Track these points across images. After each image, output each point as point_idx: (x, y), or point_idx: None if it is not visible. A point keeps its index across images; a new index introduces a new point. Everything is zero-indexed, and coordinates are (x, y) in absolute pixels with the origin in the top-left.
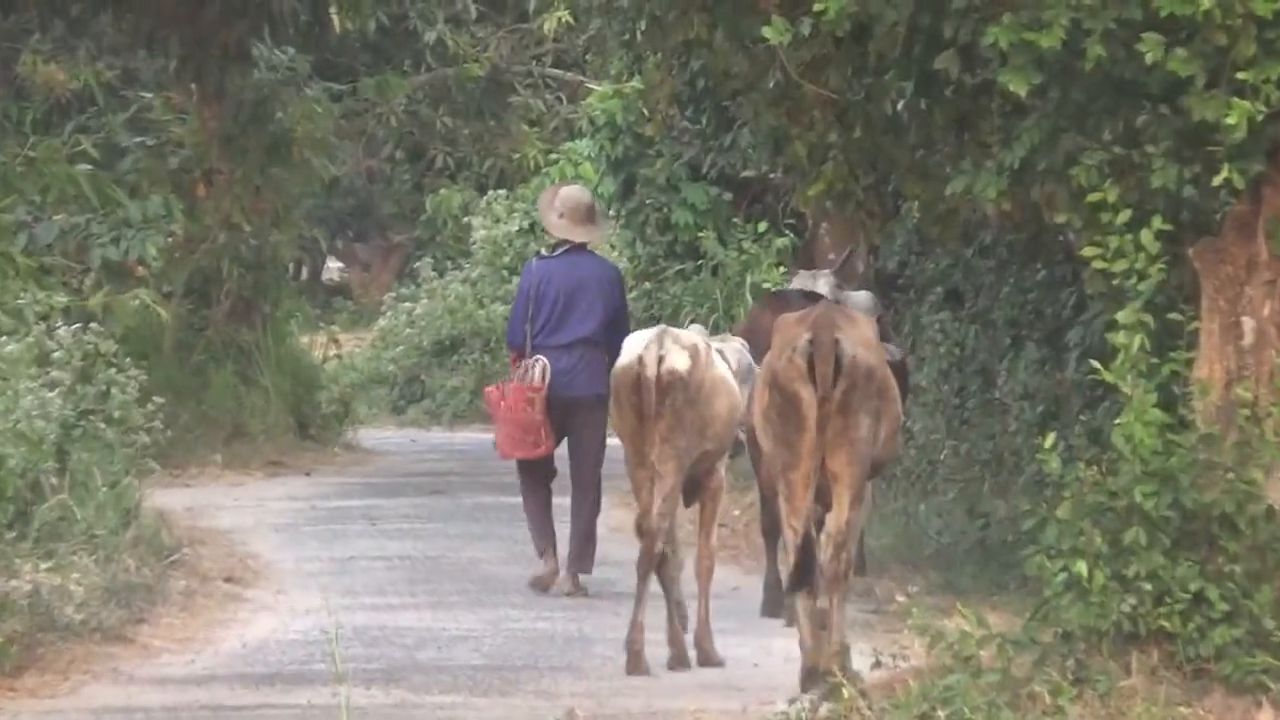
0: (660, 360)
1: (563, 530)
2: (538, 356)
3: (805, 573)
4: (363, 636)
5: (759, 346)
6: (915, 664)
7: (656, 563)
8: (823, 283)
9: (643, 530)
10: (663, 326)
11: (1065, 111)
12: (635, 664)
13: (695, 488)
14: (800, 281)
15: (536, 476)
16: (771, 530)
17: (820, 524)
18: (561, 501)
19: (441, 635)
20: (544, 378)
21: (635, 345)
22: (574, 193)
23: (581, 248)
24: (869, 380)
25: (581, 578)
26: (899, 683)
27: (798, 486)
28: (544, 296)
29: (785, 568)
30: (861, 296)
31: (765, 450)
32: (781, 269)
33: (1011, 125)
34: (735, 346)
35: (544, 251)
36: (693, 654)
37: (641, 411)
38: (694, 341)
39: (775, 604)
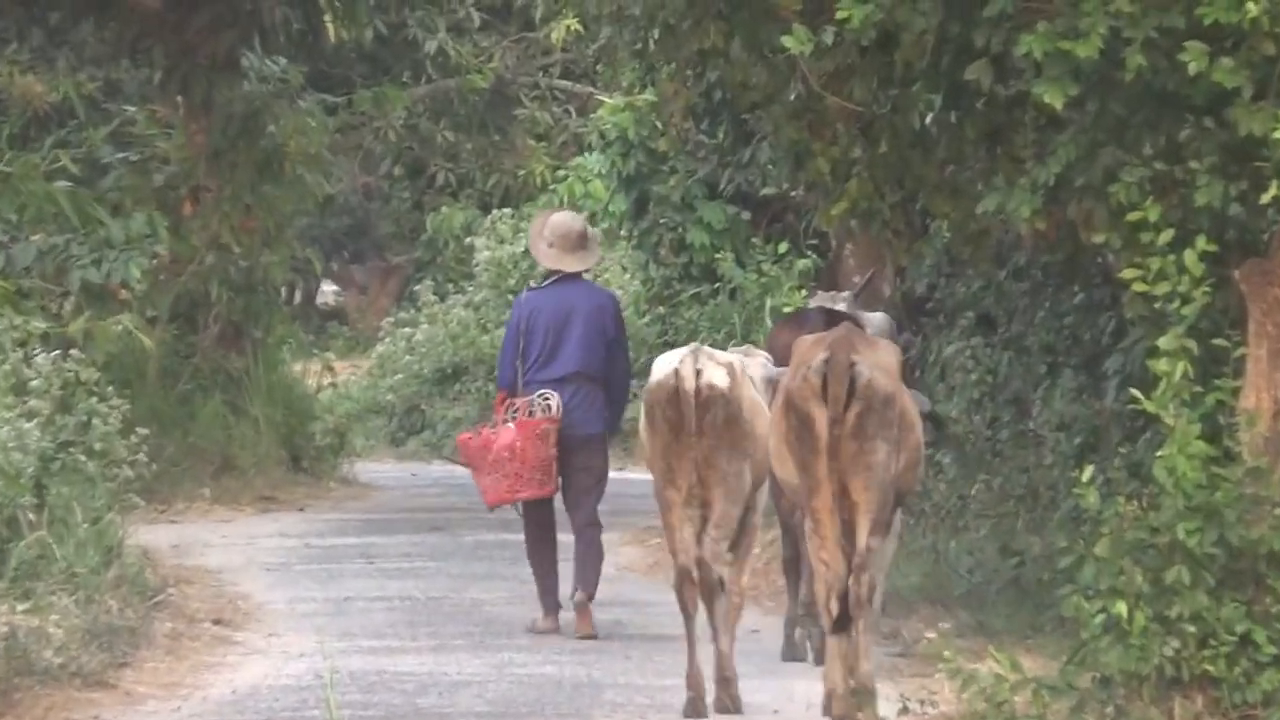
0: (698, 374)
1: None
2: (545, 390)
3: (843, 615)
4: (360, 682)
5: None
6: (945, 710)
7: (709, 595)
8: (841, 304)
9: (678, 558)
10: (695, 344)
11: (1103, 125)
12: (694, 709)
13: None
14: (819, 302)
15: (543, 523)
16: (792, 566)
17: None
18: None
19: (443, 680)
20: (559, 411)
21: (670, 360)
22: (564, 219)
23: (574, 277)
24: (886, 406)
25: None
26: None
27: (823, 515)
28: (534, 330)
29: (802, 601)
30: (877, 317)
31: (783, 478)
32: (803, 292)
33: (1046, 139)
34: (760, 360)
35: (534, 283)
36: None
37: (678, 428)
38: (730, 359)
39: (797, 647)
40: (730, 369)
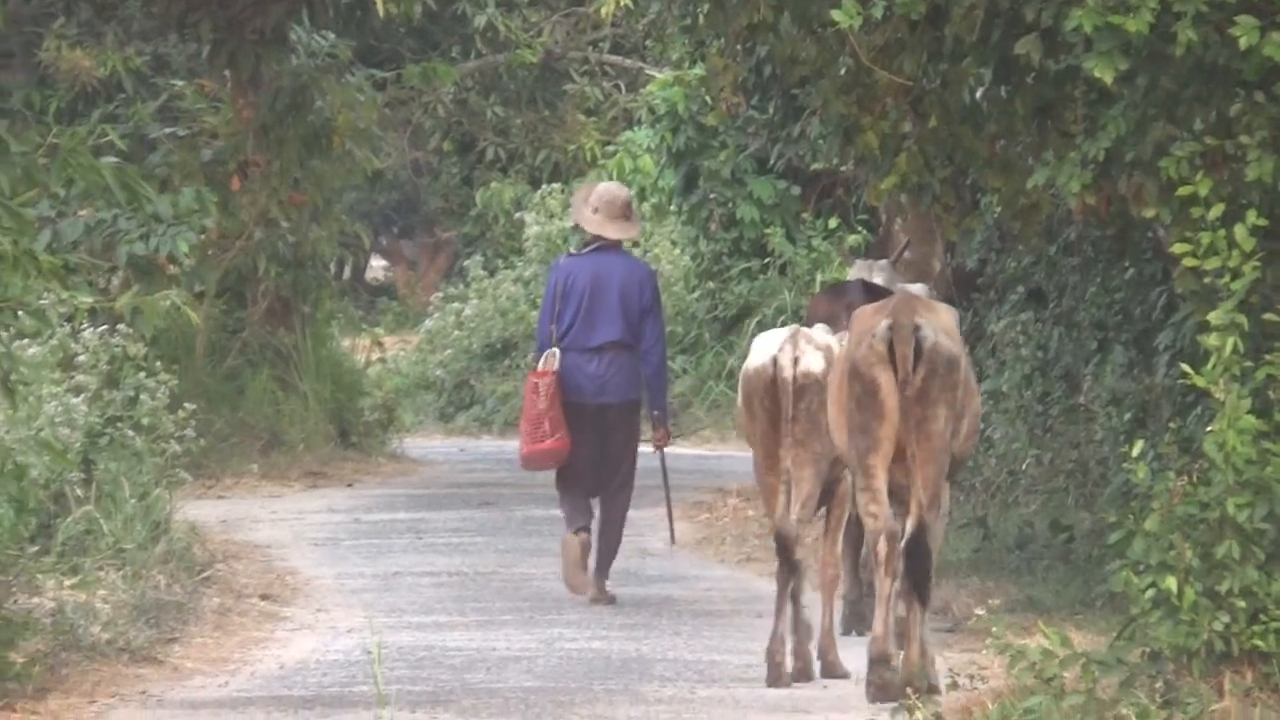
0: (795, 362)
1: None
2: (550, 349)
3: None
4: (408, 657)
5: None
6: (994, 685)
7: (795, 572)
8: (879, 273)
9: (780, 537)
10: (795, 326)
11: (1154, 99)
12: (775, 676)
13: (823, 494)
14: (856, 272)
15: (574, 487)
16: (854, 543)
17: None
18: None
19: (491, 656)
20: (550, 365)
21: (769, 346)
22: (610, 188)
23: (614, 246)
24: (950, 370)
25: (641, 595)
26: (977, 705)
27: (878, 471)
28: (570, 296)
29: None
30: (916, 288)
31: (841, 443)
32: (873, 262)
33: (1097, 114)
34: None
35: (573, 249)
36: (817, 665)
37: (775, 415)
38: (827, 342)
39: (856, 618)
40: (828, 351)
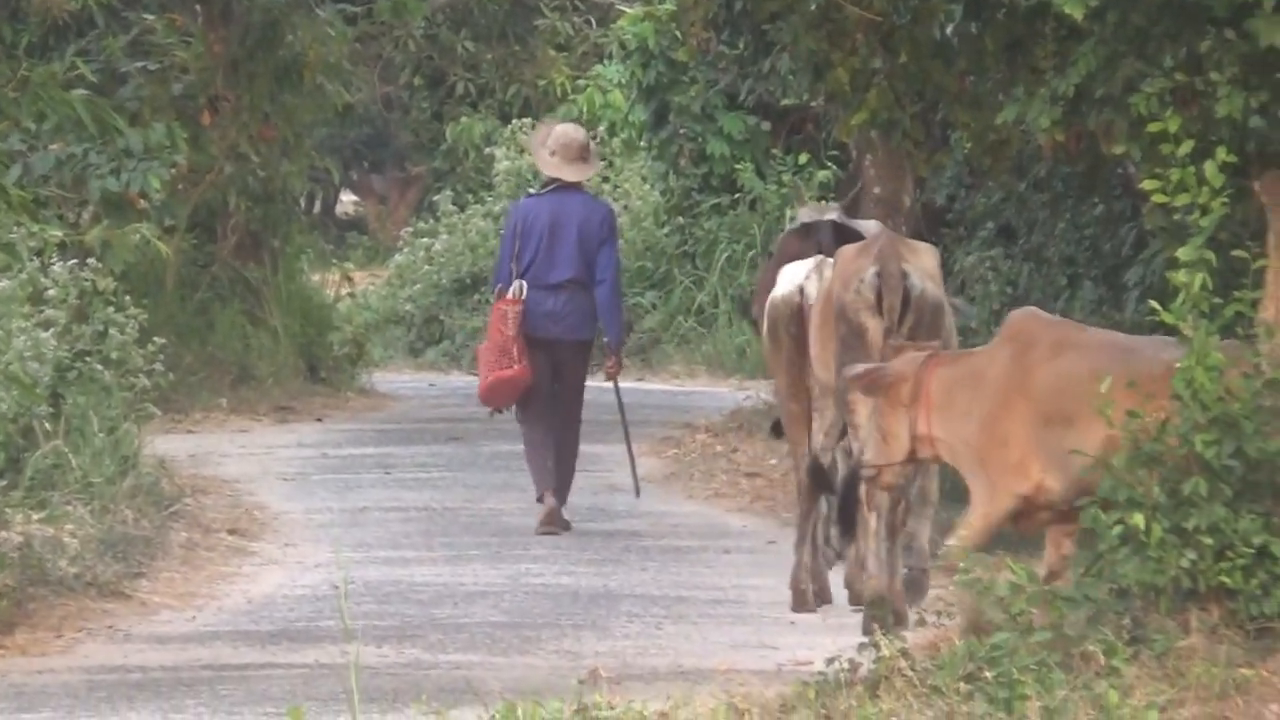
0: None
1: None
2: (519, 280)
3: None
4: (375, 592)
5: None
6: (961, 621)
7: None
8: (831, 214)
9: (814, 468)
10: (820, 256)
11: (1124, 36)
12: (800, 602)
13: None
14: (805, 215)
15: (536, 425)
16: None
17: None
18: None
19: (459, 591)
20: (519, 294)
21: (795, 276)
22: (567, 130)
23: (573, 187)
24: (935, 316)
25: (609, 530)
26: (944, 641)
27: (858, 405)
28: (529, 235)
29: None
30: (871, 225)
31: (821, 376)
32: (825, 203)
33: (1067, 50)
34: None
35: (532, 190)
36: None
37: (802, 343)
38: None
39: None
40: None
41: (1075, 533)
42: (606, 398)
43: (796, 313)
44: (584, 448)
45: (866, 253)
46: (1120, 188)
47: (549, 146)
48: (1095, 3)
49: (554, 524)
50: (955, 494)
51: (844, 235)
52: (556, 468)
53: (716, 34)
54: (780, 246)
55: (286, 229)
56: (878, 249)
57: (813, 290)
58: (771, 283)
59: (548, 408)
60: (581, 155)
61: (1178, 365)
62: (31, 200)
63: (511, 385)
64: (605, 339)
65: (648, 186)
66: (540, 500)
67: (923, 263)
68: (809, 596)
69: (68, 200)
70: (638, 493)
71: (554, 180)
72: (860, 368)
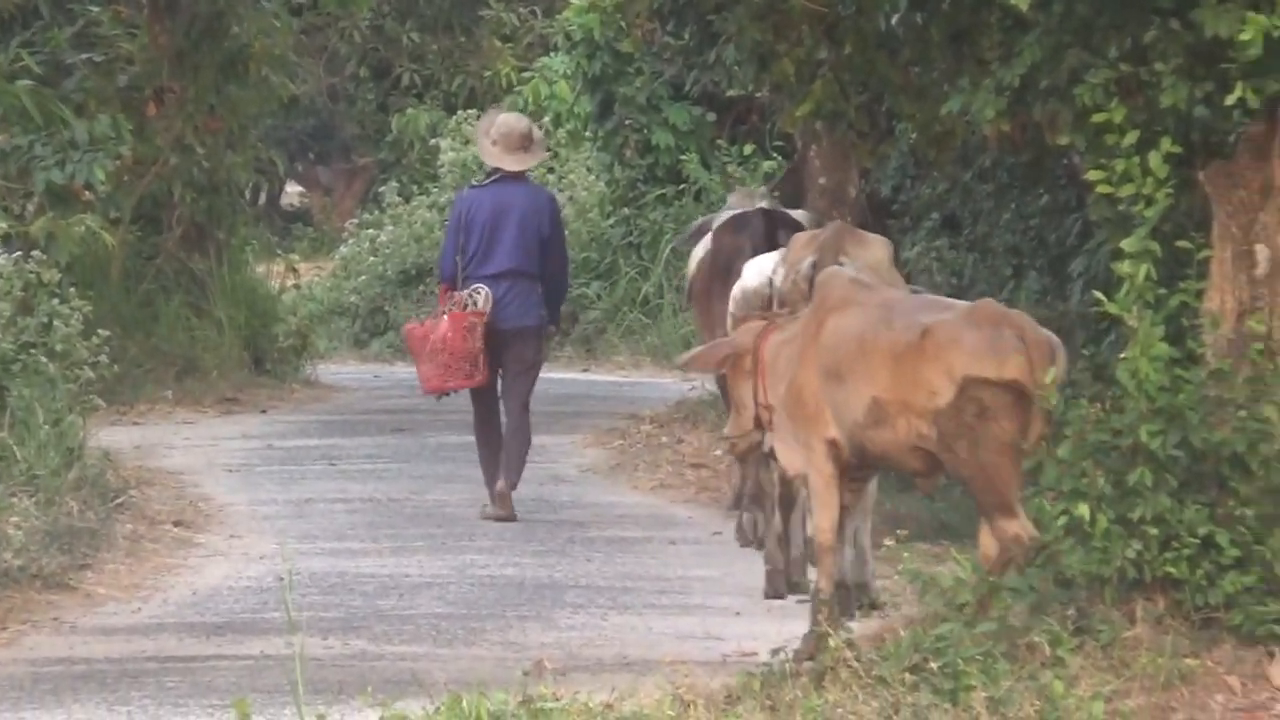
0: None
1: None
2: (479, 285)
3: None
4: (320, 583)
5: (720, 267)
6: (905, 612)
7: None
8: (759, 202)
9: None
10: (785, 250)
11: (1069, 26)
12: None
13: None
14: (736, 201)
15: (486, 411)
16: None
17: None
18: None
19: (404, 582)
20: (486, 305)
21: (764, 267)
22: (509, 120)
23: (516, 176)
24: None
25: (554, 521)
26: (889, 632)
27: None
28: (473, 226)
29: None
30: (800, 215)
31: None
32: (754, 189)
33: (1012, 41)
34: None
35: (475, 180)
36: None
37: None
38: None
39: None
40: None
41: (858, 489)
42: (548, 389)
43: (766, 305)
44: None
45: (811, 244)
46: (1065, 178)
47: (491, 136)
48: None
49: (506, 508)
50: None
51: (774, 223)
52: (507, 454)
53: (661, 25)
54: (715, 240)
55: (232, 220)
56: (821, 240)
57: (780, 281)
58: (711, 271)
59: (494, 396)
60: (523, 145)
61: (929, 325)
62: None
63: (466, 386)
64: (549, 325)
65: (593, 177)
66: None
67: (870, 254)
68: (783, 583)
69: (12, 192)
70: None
71: (497, 170)
72: (690, 353)
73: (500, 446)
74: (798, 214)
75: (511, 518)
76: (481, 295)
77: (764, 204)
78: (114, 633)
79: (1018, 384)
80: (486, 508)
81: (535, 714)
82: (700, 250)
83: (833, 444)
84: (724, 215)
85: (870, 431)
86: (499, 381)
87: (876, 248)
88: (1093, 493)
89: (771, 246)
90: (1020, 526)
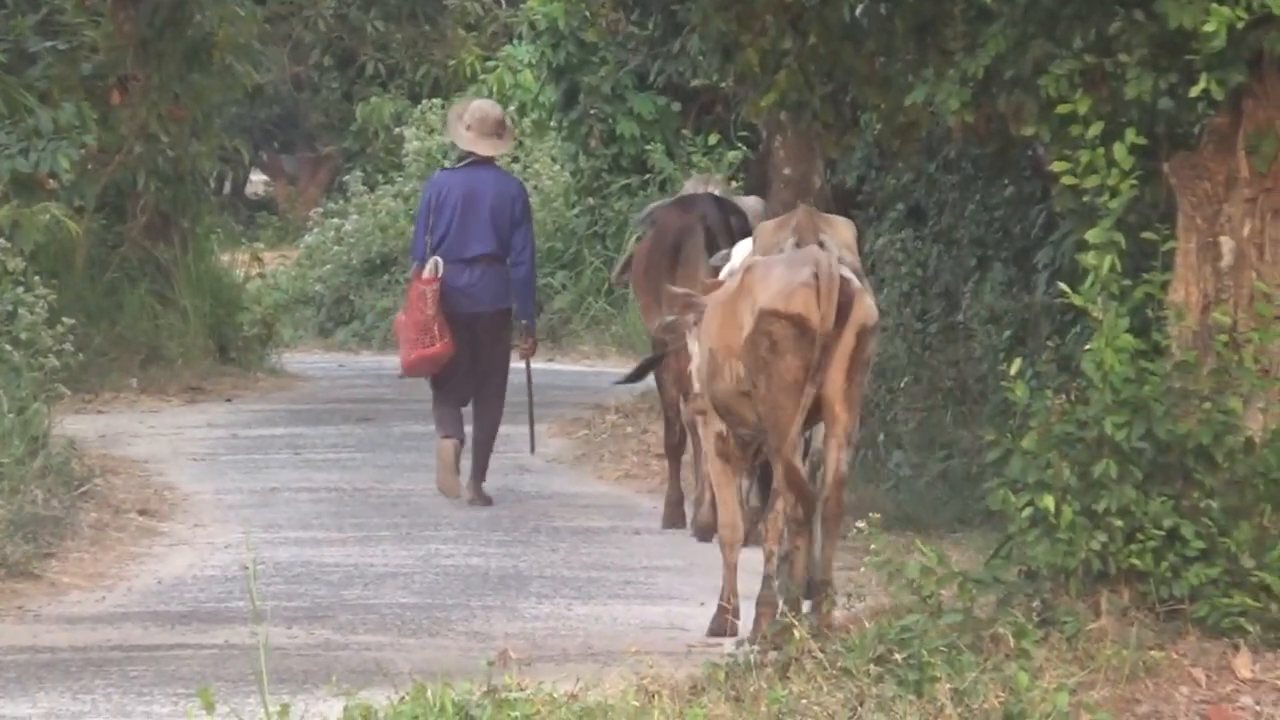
0: None
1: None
2: (433, 258)
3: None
4: (285, 573)
5: (667, 246)
6: (871, 603)
7: None
8: (714, 188)
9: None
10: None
11: (1033, 17)
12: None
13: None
14: (691, 187)
15: (449, 394)
16: (675, 449)
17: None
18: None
19: (369, 572)
20: (436, 272)
21: (745, 253)
22: (483, 106)
23: (487, 162)
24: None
25: (519, 512)
26: (854, 623)
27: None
28: (443, 209)
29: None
30: (751, 201)
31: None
32: (734, 184)
33: (976, 31)
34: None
35: (447, 164)
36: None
37: None
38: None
39: (676, 518)
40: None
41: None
42: (514, 379)
43: None
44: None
45: (785, 226)
46: (1030, 169)
47: (465, 121)
48: None
49: (452, 473)
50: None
51: (723, 208)
52: (475, 444)
53: (626, 14)
54: (662, 220)
55: (196, 209)
56: (795, 223)
57: None
58: (657, 249)
59: (463, 382)
60: (497, 131)
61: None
62: None
63: (434, 361)
64: (521, 320)
65: (558, 167)
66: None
67: (839, 235)
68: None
69: None
70: (533, 449)
71: (469, 155)
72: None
73: (459, 408)
74: (748, 200)
75: (486, 503)
76: (430, 263)
77: (716, 189)
78: (78, 621)
79: (801, 318)
80: (442, 460)
81: (500, 704)
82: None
83: (719, 436)
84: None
85: (712, 386)
86: (466, 373)
87: (843, 229)
88: (1058, 484)
89: (725, 229)
90: (794, 468)
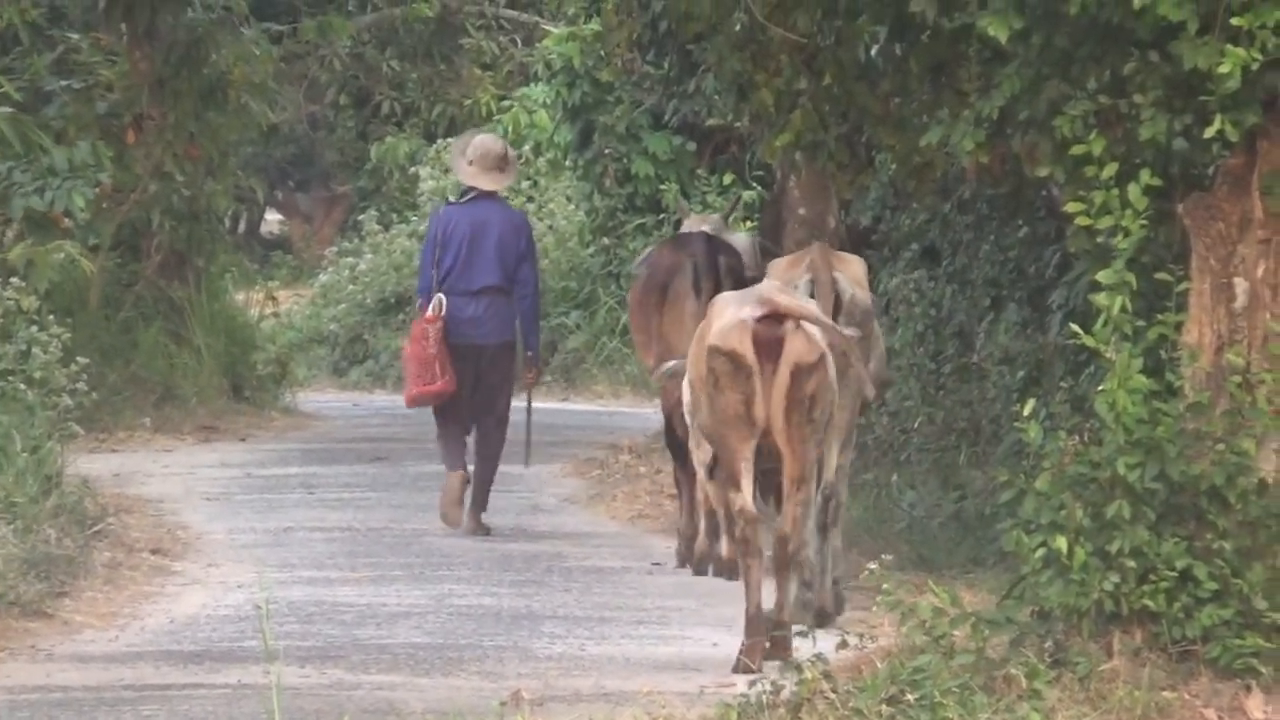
0: None
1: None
2: (438, 295)
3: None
4: (298, 612)
5: (657, 284)
6: (884, 643)
7: None
8: (709, 226)
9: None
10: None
11: (1048, 58)
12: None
13: None
14: (688, 226)
15: (452, 425)
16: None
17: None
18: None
19: (382, 611)
20: (438, 311)
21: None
22: (485, 140)
23: (490, 195)
24: (865, 319)
25: (532, 551)
26: (866, 664)
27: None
28: (449, 243)
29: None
30: (741, 238)
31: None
32: (749, 224)
33: (991, 72)
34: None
35: (452, 199)
36: None
37: None
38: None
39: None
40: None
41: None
42: (520, 416)
43: None
44: (505, 469)
45: (798, 262)
46: (1044, 210)
47: (468, 156)
48: (1019, 25)
49: (456, 505)
50: None
51: (713, 247)
52: (477, 473)
53: (641, 54)
54: (655, 259)
55: (211, 248)
56: (810, 260)
57: None
58: (648, 287)
59: (467, 411)
60: (499, 165)
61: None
62: None
63: (436, 396)
64: (526, 351)
65: (572, 206)
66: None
67: (850, 271)
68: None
69: None
70: (527, 463)
71: (472, 189)
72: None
73: (462, 438)
74: (739, 237)
75: (484, 533)
76: (433, 302)
77: (711, 227)
78: (91, 660)
79: (736, 354)
80: (445, 502)
81: None
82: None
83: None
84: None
85: (696, 417)
86: (469, 403)
87: (855, 265)
88: (1071, 525)
89: (711, 267)
90: (744, 500)
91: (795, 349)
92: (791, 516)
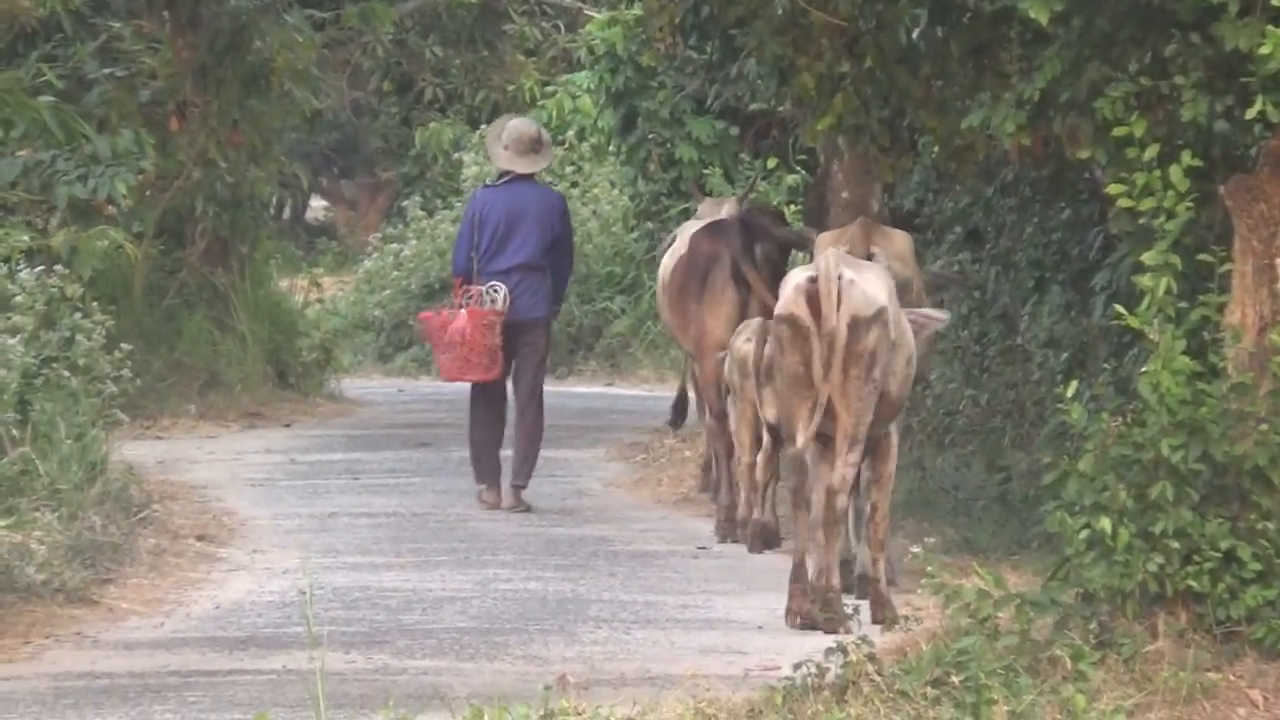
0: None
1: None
2: (495, 283)
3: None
4: (343, 598)
5: (697, 271)
6: (929, 625)
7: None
8: (727, 209)
9: None
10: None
11: (1089, 40)
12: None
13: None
14: (705, 210)
15: (492, 403)
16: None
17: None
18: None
19: (427, 596)
20: (505, 305)
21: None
22: (520, 124)
23: (526, 178)
24: (903, 293)
25: (577, 536)
26: (911, 646)
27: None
28: (485, 224)
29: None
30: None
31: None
32: (792, 208)
33: (1032, 55)
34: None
35: (489, 181)
36: None
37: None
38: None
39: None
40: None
41: None
42: (572, 403)
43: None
44: (551, 453)
45: (840, 239)
46: (1087, 192)
47: (503, 141)
48: (1060, 7)
49: (512, 503)
50: None
51: (750, 230)
52: (518, 446)
53: (683, 39)
54: (692, 246)
55: (255, 235)
56: (849, 235)
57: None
58: (690, 274)
59: (501, 397)
60: (533, 148)
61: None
62: None
63: (484, 380)
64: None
65: (616, 191)
66: (481, 485)
67: (894, 247)
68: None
69: (35, 206)
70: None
71: (508, 172)
72: None
73: (499, 434)
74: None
75: (525, 509)
76: (500, 294)
77: (729, 211)
78: (136, 647)
79: (793, 317)
80: (482, 493)
81: None
82: (670, 259)
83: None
84: (692, 225)
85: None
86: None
87: (899, 240)
88: (1114, 506)
89: (749, 253)
90: (796, 450)
91: (853, 302)
92: (841, 475)
